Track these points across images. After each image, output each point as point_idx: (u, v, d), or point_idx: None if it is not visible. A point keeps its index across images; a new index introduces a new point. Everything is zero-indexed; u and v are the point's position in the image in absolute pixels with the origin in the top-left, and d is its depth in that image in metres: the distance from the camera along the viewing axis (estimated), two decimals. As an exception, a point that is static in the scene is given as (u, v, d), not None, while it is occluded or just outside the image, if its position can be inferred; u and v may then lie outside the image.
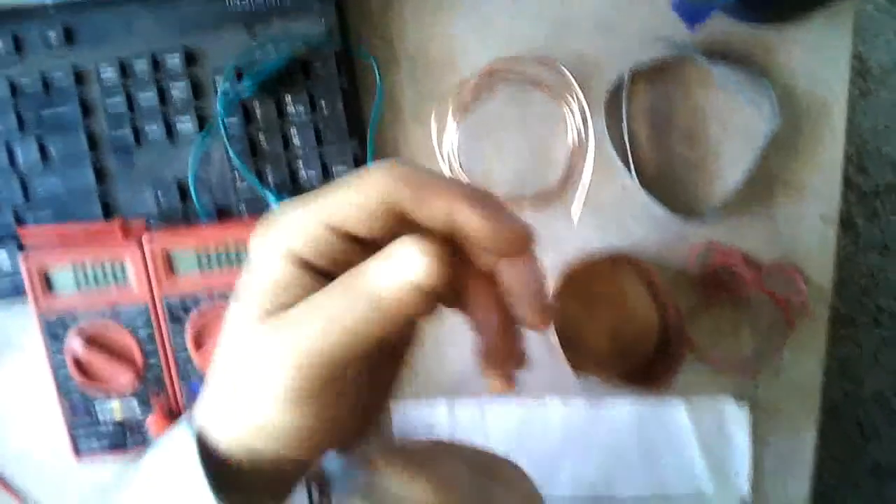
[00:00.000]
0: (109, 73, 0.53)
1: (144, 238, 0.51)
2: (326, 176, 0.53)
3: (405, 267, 0.26)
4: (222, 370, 0.31)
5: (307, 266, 0.28)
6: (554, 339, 0.50)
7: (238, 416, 0.30)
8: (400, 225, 0.27)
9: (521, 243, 0.27)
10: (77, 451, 0.53)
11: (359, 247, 0.28)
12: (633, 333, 0.55)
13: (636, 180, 0.53)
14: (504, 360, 0.30)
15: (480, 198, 0.27)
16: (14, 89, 0.54)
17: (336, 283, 0.27)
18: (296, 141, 0.53)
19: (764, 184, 0.55)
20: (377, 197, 0.27)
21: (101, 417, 0.53)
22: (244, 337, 0.29)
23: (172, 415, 0.52)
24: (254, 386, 0.28)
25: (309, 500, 0.35)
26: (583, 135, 0.54)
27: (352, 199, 0.27)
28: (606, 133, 0.54)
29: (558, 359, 0.50)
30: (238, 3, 0.53)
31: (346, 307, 0.27)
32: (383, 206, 0.27)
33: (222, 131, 0.53)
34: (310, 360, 0.27)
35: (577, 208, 0.55)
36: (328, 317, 0.27)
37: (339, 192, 0.27)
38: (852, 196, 1.32)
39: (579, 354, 0.52)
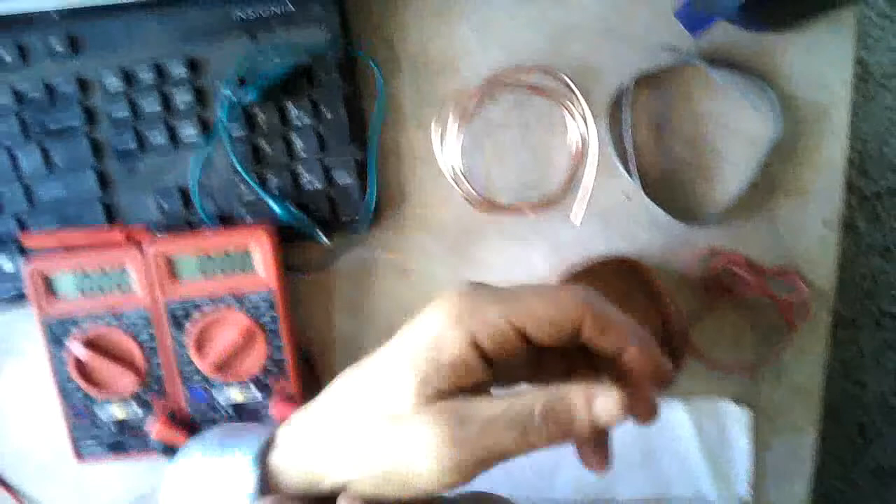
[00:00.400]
0: (113, 81, 0.53)
1: (146, 243, 0.51)
2: (329, 182, 0.54)
3: (607, 411, 0.31)
4: (356, 416, 0.34)
5: (483, 355, 0.32)
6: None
7: (361, 462, 0.33)
8: (571, 339, 0.33)
9: (667, 378, 0.34)
10: (79, 454, 0.53)
11: (528, 346, 0.33)
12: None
13: (638, 185, 0.54)
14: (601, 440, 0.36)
15: (645, 338, 0.33)
16: (18, 97, 0.54)
17: (533, 402, 0.31)
18: (298, 147, 0.53)
19: (766, 188, 0.55)
20: (568, 318, 0.32)
21: (102, 421, 0.53)
22: (409, 404, 0.32)
23: (174, 419, 0.52)
24: (406, 453, 0.32)
25: None
26: (585, 140, 0.55)
27: (546, 313, 0.32)
28: (609, 138, 0.55)
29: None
30: (241, 10, 0.53)
31: (543, 429, 0.31)
32: (570, 326, 0.32)
33: (225, 138, 0.53)
34: (484, 458, 0.31)
35: (578, 213, 0.55)
36: (520, 429, 0.31)
37: (534, 303, 0.32)
38: (854, 199, 1.32)
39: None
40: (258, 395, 0.52)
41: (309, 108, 0.53)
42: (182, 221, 0.54)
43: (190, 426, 0.53)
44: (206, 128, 0.54)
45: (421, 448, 0.31)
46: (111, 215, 0.54)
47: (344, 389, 0.36)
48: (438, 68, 0.55)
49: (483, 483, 0.34)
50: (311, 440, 0.36)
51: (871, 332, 1.32)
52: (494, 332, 0.32)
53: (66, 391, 0.52)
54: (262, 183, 0.54)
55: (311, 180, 0.53)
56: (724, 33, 0.54)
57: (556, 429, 0.31)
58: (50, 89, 0.54)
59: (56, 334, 0.51)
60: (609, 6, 0.55)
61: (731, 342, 0.55)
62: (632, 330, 0.33)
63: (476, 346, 0.32)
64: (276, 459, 0.36)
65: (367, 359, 0.35)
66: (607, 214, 0.55)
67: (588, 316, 0.32)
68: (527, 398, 0.32)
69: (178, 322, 0.51)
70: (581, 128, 0.55)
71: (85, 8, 0.53)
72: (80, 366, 0.52)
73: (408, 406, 0.32)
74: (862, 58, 1.32)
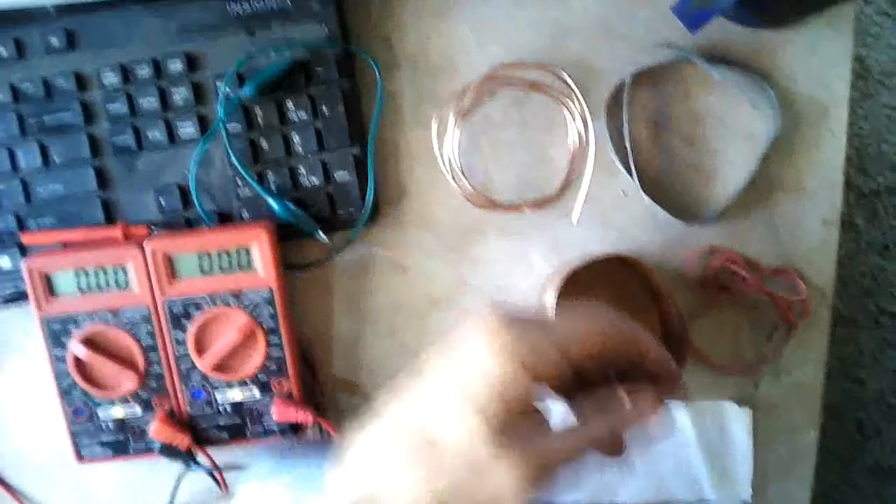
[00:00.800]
0: (111, 78, 0.53)
1: (146, 241, 0.51)
2: (327, 179, 0.53)
3: (651, 410, 0.35)
4: (423, 454, 0.34)
5: (535, 378, 0.33)
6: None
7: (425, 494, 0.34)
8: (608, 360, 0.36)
9: (677, 378, 0.37)
10: (79, 455, 0.53)
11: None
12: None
13: (637, 183, 0.54)
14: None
15: (662, 348, 0.37)
16: (16, 93, 0.54)
17: (600, 425, 0.35)
18: (297, 144, 0.53)
19: (765, 186, 0.55)
20: (607, 340, 0.35)
21: (102, 422, 0.53)
22: (484, 448, 0.33)
23: (173, 417, 0.52)
24: (484, 495, 0.33)
25: None
26: (583, 138, 0.55)
27: (587, 337, 0.34)
28: (607, 136, 0.55)
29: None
30: (239, 6, 0.53)
31: (597, 435, 0.34)
32: (608, 347, 0.35)
33: (223, 135, 0.53)
34: (556, 483, 0.33)
35: (577, 211, 0.55)
36: (581, 439, 0.34)
37: (576, 329, 0.34)
38: (853, 197, 1.32)
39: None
40: (258, 393, 0.52)
41: (307, 105, 0.53)
42: (181, 219, 0.54)
43: (189, 425, 0.53)
44: (204, 124, 0.54)
45: (501, 490, 0.33)
46: (110, 213, 0.54)
47: (402, 422, 0.36)
48: (437, 66, 0.55)
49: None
50: (370, 471, 0.36)
51: (870, 330, 1.32)
52: (547, 361, 0.33)
53: (66, 392, 0.52)
54: (261, 180, 0.54)
55: (309, 177, 0.53)
56: (722, 30, 0.54)
57: (616, 441, 0.35)
58: (47, 85, 0.53)
59: (56, 333, 0.51)
60: (607, 4, 0.55)
61: (730, 341, 0.55)
62: (651, 340, 0.36)
63: (530, 372, 0.33)
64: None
65: (416, 387, 0.36)
66: (606, 212, 0.55)
67: (622, 339, 0.35)
68: (592, 423, 0.35)
69: (177, 320, 0.51)
70: (579, 125, 0.55)
71: (82, 2, 0.53)
72: (80, 365, 0.52)
73: (483, 449, 0.33)
74: (860, 55, 1.32)
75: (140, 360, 0.52)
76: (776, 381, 0.55)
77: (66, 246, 0.53)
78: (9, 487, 0.57)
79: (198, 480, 0.54)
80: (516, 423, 0.33)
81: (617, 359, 0.35)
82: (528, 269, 0.55)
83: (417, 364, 0.37)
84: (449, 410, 0.34)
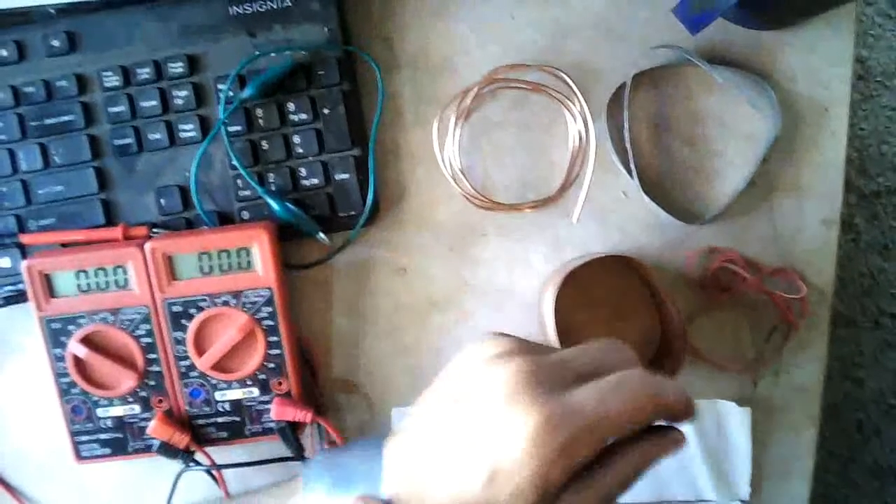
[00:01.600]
0: (112, 79, 0.53)
1: (146, 241, 0.51)
2: (328, 180, 0.54)
3: (674, 448, 0.37)
4: None
5: (573, 467, 0.34)
6: (554, 340, 0.50)
7: None
8: None
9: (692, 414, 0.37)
10: (78, 455, 0.53)
11: None
12: (633, 336, 0.55)
13: (637, 184, 0.54)
14: None
15: (682, 391, 0.37)
16: (17, 95, 0.54)
17: (623, 476, 0.35)
18: (297, 145, 0.53)
19: (765, 187, 0.55)
20: (644, 416, 0.35)
21: (102, 422, 0.53)
22: None
23: (173, 418, 0.52)
24: None
25: None
26: (584, 138, 0.55)
27: (626, 424, 0.34)
28: (608, 137, 0.55)
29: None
30: (240, 8, 0.53)
31: (621, 480, 0.35)
32: (641, 419, 0.35)
33: (224, 136, 0.53)
34: None
35: (577, 211, 0.55)
36: (607, 487, 0.35)
37: (617, 418, 0.34)
38: (853, 198, 1.32)
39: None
40: (257, 393, 0.52)
41: (308, 106, 0.53)
42: (181, 219, 0.54)
43: (188, 424, 0.53)
44: (204, 125, 0.54)
45: None
46: (110, 214, 0.54)
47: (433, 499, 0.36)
48: (437, 67, 0.55)
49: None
50: None
51: (870, 330, 1.32)
52: (591, 450, 0.34)
53: (66, 392, 0.52)
54: (261, 181, 0.54)
55: (309, 178, 0.53)
56: (723, 31, 0.54)
57: (635, 479, 0.36)
58: (48, 86, 0.54)
59: (55, 332, 0.51)
60: (608, 5, 0.55)
61: (730, 341, 0.55)
62: (681, 392, 0.37)
63: (577, 463, 0.34)
64: None
65: (442, 458, 0.36)
66: (606, 213, 0.55)
67: (660, 409, 0.35)
68: (615, 473, 0.35)
69: (177, 320, 0.51)
70: (580, 126, 0.55)
71: (83, 3, 0.53)
72: (79, 364, 0.52)
73: None
74: (861, 56, 1.32)
75: (139, 360, 0.52)
76: (776, 381, 0.55)
77: (66, 246, 0.53)
78: (9, 487, 0.57)
79: (196, 479, 0.54)
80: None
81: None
82: (528, 269, 0.55)
83: (424, 405, 0.37)
84: (484, 495, 0.34)
